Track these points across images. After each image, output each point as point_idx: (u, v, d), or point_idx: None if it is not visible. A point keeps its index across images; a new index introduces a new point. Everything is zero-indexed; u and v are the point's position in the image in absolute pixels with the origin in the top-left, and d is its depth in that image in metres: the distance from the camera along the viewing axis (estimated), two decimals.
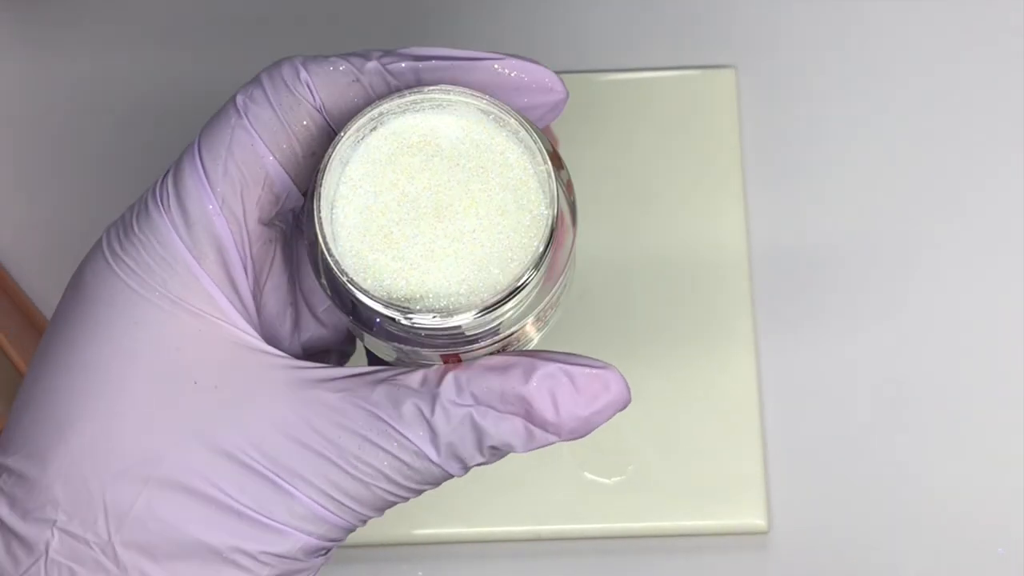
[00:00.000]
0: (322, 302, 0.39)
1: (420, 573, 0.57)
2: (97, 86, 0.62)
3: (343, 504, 0.36)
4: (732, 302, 0.59)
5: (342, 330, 0.40)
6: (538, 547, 0.57)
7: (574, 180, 0.60)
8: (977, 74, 0.62)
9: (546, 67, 0.38)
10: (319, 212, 0.34)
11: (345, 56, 0.37)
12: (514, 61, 0.37)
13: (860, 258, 0.60)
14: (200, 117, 0.38)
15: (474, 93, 0.35)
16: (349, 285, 0.34)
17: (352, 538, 0.57)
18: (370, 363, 0.40)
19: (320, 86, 0.36)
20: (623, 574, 0.57)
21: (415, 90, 0.35)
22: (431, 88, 0.35)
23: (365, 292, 0.34)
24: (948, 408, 0.59)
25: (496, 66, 0.37)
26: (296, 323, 0.39)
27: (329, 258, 0.34)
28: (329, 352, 0.41)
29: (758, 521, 0.57)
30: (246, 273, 0.36)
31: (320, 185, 0.35)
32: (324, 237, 0.34)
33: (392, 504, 0.37)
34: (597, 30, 0.63)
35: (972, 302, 0.60)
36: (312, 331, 0.40)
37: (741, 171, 0.60)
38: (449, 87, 0.35)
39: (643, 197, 0.60)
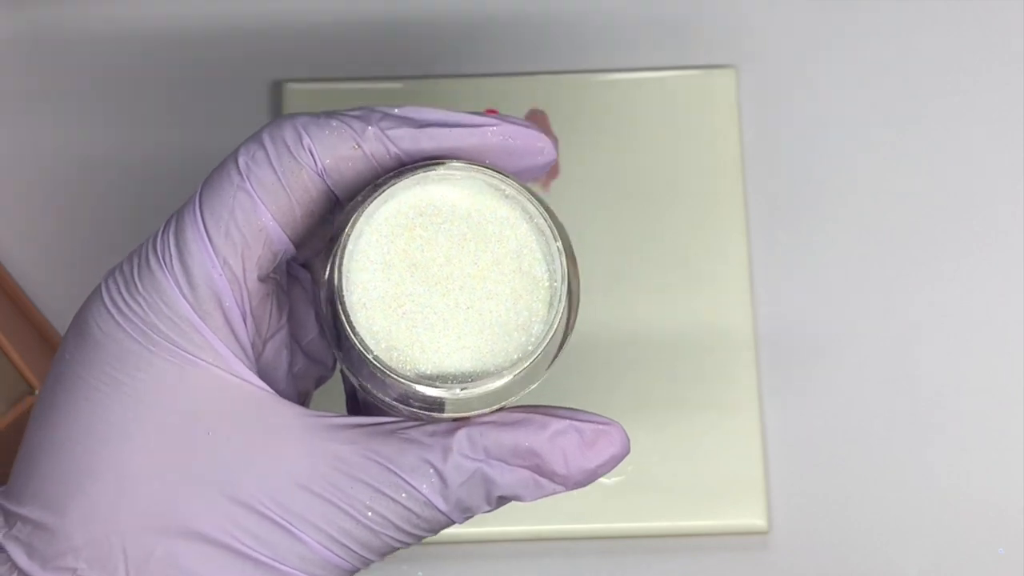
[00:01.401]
0: (307, 335, 0.41)
1: (420, 573, 0.57)
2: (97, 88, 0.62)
3: (351, 550, 0.37)
4: (732, 303, 0.59)
5: (324, 359, 0.42)
6: (538, 547, 0.57)
7: (573, 178, 0.60)
8: (978, 73, 0.62)
9: (538, 130, 0.39)
10: (341, 295, 0.36)
11: (345, 119, 0.38)
12: (508, 127, 0.39)
13: (859, 255, 0.60)
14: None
15: (482, 168, 0.37)
16: (375, 363, 0.36)
17: None
18: (348, 391, 0.42)
19: (321, 151, 0.37)
20: (623, 574, 0.58)
21: (425, 166, 0.37)
22: (439, 164, 0.37)
23: (393, 372, 0.36)
24: (948, 408, 0.59)
25: (491, 132, 0.39)
26: (290, 361, 0.41)
27: (354, 338, 0.36)
28: (310, 377, 0.43)
29: (758, 521, 0.57)
30: (246, 327, 0.38)
31: (338, 266, 0.36)
32: (348, 319, 0.36)
33: (396, 549, 0.38)
34: (597, 30, 0.63)
35: (970, 308, 0.60)
36: (300, 363, 0.41)
37: (741, 171, 0.60)
38: (459, 164, 0.37)
39: (643, 197, 0.60)
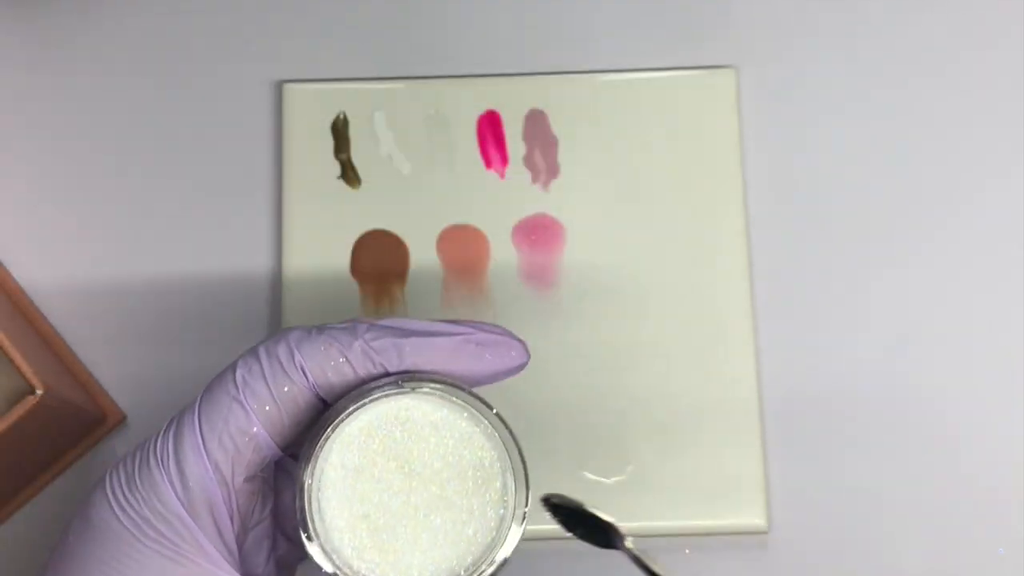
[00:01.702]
0: (291, 521, 0.44)
1: None
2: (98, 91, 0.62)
3: None
4: (732, 303, 0.59)
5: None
6: (538, 546, 0.57)
7: (573, 178, 0.61)
8: (979, 74, 0.62)
9: (511, 336, 0.44)
10: (310, 498, 0.41)
11: (335, 335, 0.42)
12: (482, 335, 0.43)
13: (859, 255, 0.60)
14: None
15: (450, 389, 0.42)
16: (338, 569, 0.41)
17: None
18: None
19: (311, 367, 0.42)
20: (623, 573, 0.58)
21: (399, 384, 0.42)
22: (411, 382, 0.42)
23: (355, 574, 0.41)
24: (947, 408, 0.59)
25: (467, 340, 0.43)
26: (272, 546, 0.45)
27: (318, 540, 0.41)
28: (293, 557, 0.47)
29: (758, 520, 0.57)
30: (232, 523, 0.42)
31: (310, 471, 0.41)
32: (314, 522, 0.41)
33: None
34: (597, 30, 0.63)
35: (970, 308, 0.60)
36: (283, 547, 0.45)
37: (741, 171, 0.60)
38: (427, 388, 0.42)
39: (642, 197, 0.60)
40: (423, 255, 0.60)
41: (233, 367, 0.43)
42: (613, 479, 0.57)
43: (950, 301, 0.60)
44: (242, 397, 0.42)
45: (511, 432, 0.42)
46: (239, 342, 0.59)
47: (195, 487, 0.42)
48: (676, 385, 0.58)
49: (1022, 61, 0.62)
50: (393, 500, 0.42)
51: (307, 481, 0.41)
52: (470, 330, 0.43)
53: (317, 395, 0.42)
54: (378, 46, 0.63)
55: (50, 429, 0.55)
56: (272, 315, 0.59)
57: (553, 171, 0.61)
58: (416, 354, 0.43)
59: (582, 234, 0.60)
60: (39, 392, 0.51)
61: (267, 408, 0.42)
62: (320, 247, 0.60)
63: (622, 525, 0.46)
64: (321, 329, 0.43)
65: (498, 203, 0.60)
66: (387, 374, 0.42)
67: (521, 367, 0.44)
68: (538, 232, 0.60)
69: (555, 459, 0.57)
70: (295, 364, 0.42)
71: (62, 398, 0.54)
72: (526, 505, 0.42)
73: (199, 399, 0.43)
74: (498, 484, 0.42)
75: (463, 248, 0.60)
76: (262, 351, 0.43)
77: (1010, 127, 0.62)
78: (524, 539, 0.57)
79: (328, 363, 0.42)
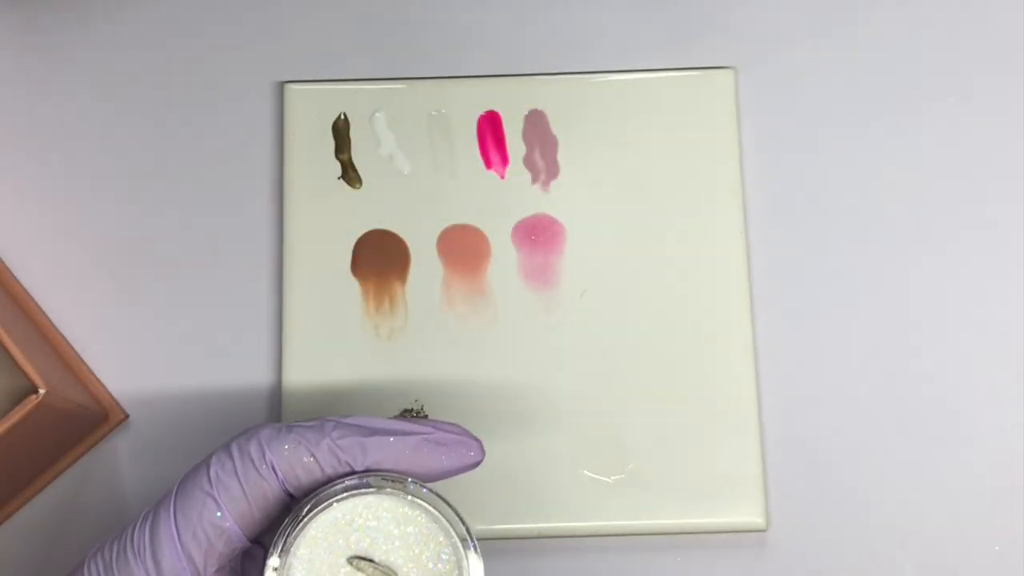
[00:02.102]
0: None
1: None
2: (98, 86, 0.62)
3: None
4: (731, 302, 0.59)
5: None
6: (538, 545, 0.58)
7: (573, 178, 0.61)
8: (979, 74, 0.62)
9: (468, 436, 0.47)
10: None
11: (303, 433, 0.46)
12: (441, 434, 0.47)
13: (859, 255, 0.60)
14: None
15: (410, 488, 0.46)
16: None
17: None
18: None
19: (281, 465, 0.45)
20: (622, 572, 0.58)
21: (363, 484, 0.45)
22: (374, 481, 0.45)
23: None
24: (946, 408, 0.59)
25: (426, 439, 0.47)
26: None
27: None
28: None
29: (756, 519, 0.57)
30: None
31: (273, 568, 0.45)
32: None
33: None
34: (597, 31, 0.63)
35: (970, 307, 0.60)
36: None
37: (740, 171, 0.60)
38: (390, 489, 0.45)
39: (641, 198, 0.60)
40: (423, 255, 0.60)
41: (207, 463, 0.46)
42: (613, 478, 0.58)
43: (949, 299, 0.60)
44: (215, 493, 0.45)
45: (468, 529, 0.46)
46: (240, 341, 0.59)
47: None
48: (675, 384, 0.58)
49: (1022, 61, 0.62)
50: None
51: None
52: (429, 430, 0.47)
53: (286, 490, 0.46)
54: (378, 46, 0.63)
55: (52, 428, 0.55)
56: (273, 315, 0.60)
57: (553, 171, 0.61)
58: (379, 452, 0.46)
59: (582, 234, 0.60)
60: (41, 391, 0.51)
61: (239, 504, 0.45)
62: (321, 247, 0.60)
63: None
64: (291, 427, 0.46)
65: (498, 203, 0.61)
66: (352, 472, 0.46)
67: (477, 464, 0.48)
68: (538, 232, 0.60)
69: (555, 458, 0.58)
70: (266, 462, 0.46)
71: (64, 397, 0.54)
72: None
73: (175, 493, 0.46)
74: None
75: (463, 248, 0.60)
76: (235, 449, 0.46)
77: (1010, 127, 0.62)
78: (521, 538, 0.57)
79: (297, 461, 0.46)
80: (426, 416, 0.58)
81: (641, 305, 0.59)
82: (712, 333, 0.59)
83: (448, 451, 0.47)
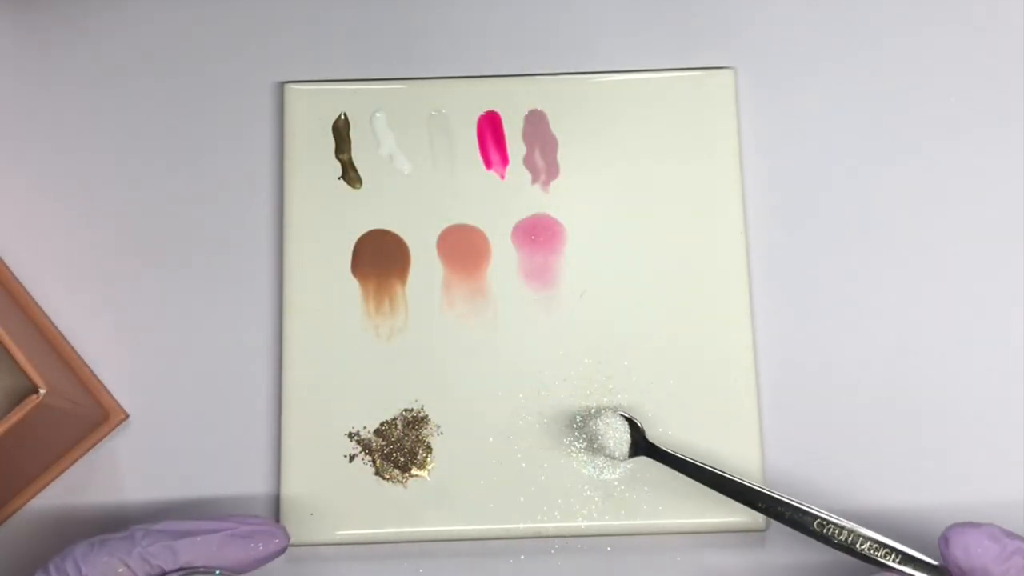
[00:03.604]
0: None
1: (421, 571, 0.58)
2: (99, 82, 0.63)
3: None
4: (730, 301, 0.59)
5: None
6: (538, 544, 0.58)
7: (573, 178, 0.61)
8: (979, 74, 0.62)
9: (273, 524, 0.52)
10: None
11: (115, 545, 0.49)
12: (245, 528, 0.51)
13: (858, 254, 0.60)
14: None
15: None
16: None
17: (353, 536, 0.57)
18: None
19: None
20: (622, 571, 0.58)
21: None
22: None
23: None
24: (946, 409, 0.59)
25: (232, 533, 0.51)
26: None
27: None
28: None
29: (756, 519, 0.57)
30: None
31: None
32: None
33: None
34: (597, 31, 0.63)
35: (970, 306, 0.60)
36: None
37: (739, 170, 0.60)
38: None
39: (641, 197, 0.60)
40: (423, 255, 0.60)
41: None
42: (613, 476, 0.58)
43: (949, 295, 0.60)
44: None
45: None
46: (241, 341, 0.59)
47: None
48: (675, 384, 0.58)
49: (1021, 61, 0.62)
50: None
51: None
52: (234, 524, 0.51)
53: None
54: (379, 47, 0.63)
55: (52, 428, 0.55)
56: (274, 314, 0.60)
57: (553, 171, 0.61)
58: (188, 552, 0.50)
59: (582, 234, 0.60)
60: (42, 391, 0.51)
61: None
62: (321, 247, 0.60)
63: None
64: (104, 541, 0.49)
65: (498, 203, 0.61)
66: (165, 573, 0.49)
67: (284, 550, 0.52)
68: (538, 232, 0.60)
69: (555, 457, 0.58)
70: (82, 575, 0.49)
71: (64, 397, 0.54)
72: None
73: None
74: None
75: (463, 248, 0.60)
76: (52, 568, 0.49)
77: (1010, 126, 0.62)
78: (521, 538, 0.58)
79: (111, 573, 0.49)
80: (426, 416, 0.58)
81: (641, 305, 0.59)
82: (712, 333, 0.59)
83: (254, 541, 0.51)
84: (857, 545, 0.52)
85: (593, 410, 0.58)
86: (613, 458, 0.57)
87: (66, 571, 0.49)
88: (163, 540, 0.50)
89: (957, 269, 0.60)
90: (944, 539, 0.50)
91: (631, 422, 0.57)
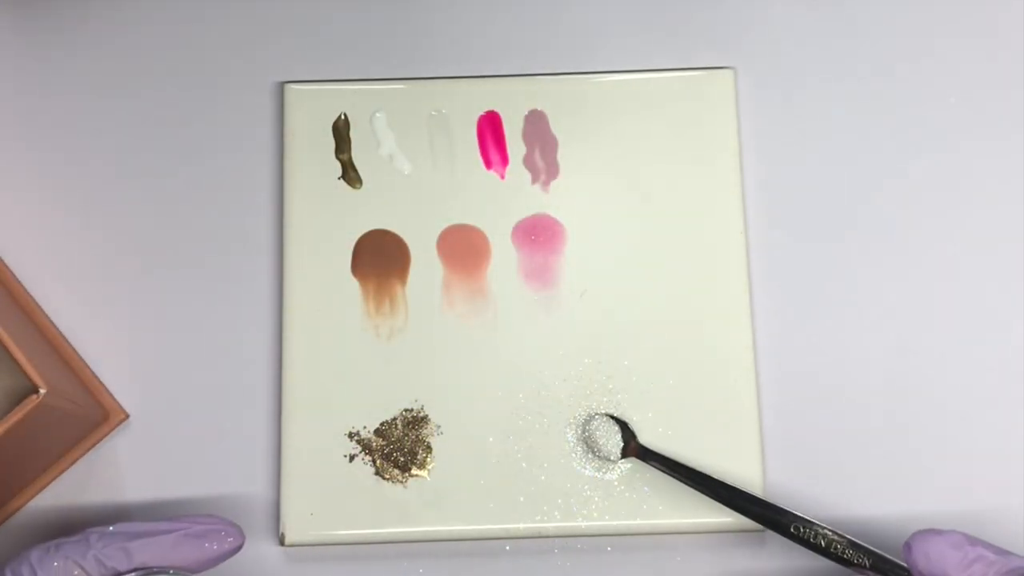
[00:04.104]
0: None
1: (421, 571, 0.58)
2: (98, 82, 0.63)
3: None
4: (730, 301, 0.59)
5: None
6: (538, 544, 0.58)
7: (573, 178, 0.61)
8: (978, 73, 0.62)
9: (226, 522, 0.51)
10: None
11: (69, 549, 0.49)
12: (198, 527, 0.51)
13: (857, 253, 0.60)
14: None
15: None
16: None
17: (353, 536, 0.57)
18: None
19: None
20: (622, 571, 0.58)
21: None
22: None
23: None
24: (945, 409, 0.59)
25: (186, 533, 0.50)
26: None
27: None
28: None
29: (756, 519, 0.57)
30: None
31: None
32: None
33: None
34: (597, 31, 0.63)
35: (970, 306, 0.60)
36: None
37: (739, 170, 0.60)
38: None
39: (641, 196, 0.60)
40: (423, 255, 0.60)
41: None
42: (612, 475, 0.58)
43: (948, 297, 0.60)
44: None
45: None
46: (241, 341, 0.60)
47: None
48: (675, 385, 0.58)
49: (1021, 62, 0.62)
50: None
51: None
52: (187, 524, 0.51)
53: None
54: (379, 47, 0.63)
55: (52, 428, 0.55)
56: (274, 314, 0.60)
57: (553, 171, 0.61)
58: (143, 553, 0.50)
59: (582, 234, 0.60)
60: (42, 391, 0.51)
61: None
62: (321, 247, 0.60)
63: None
64: (59, 545, 0.50)
65: (498, 203, 0.61)
66: (120, 574, 0.50)
67: (239, 548, 0.52)
68: (538, 232, 0.60)
69: (555, 457, 0.58)
70: None
71: (64, 397, 0.54)
72: None
73: None
74: None
75: (463, 248, 0.60)
76: (8, 572, 0.49)
77: (1009, 127, 0.62)
78: (521, 538, 0.58)
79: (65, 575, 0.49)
80: (426, 416, 0.58)
81: (641, 305, 0.59)
82: (712, 333, 0.59)
83: (208, 540, 0.51)
84: (831, 548, 0.53)
85: (587, 414, 0.58)
86: (608, 460, 0.57)
87: (22, 575, 0.49)
88: (117, 542, 0.50)
89: (957, 269, 0.60)
90: (907, 546, 0.50)
91: (623, 425, 0.57)
